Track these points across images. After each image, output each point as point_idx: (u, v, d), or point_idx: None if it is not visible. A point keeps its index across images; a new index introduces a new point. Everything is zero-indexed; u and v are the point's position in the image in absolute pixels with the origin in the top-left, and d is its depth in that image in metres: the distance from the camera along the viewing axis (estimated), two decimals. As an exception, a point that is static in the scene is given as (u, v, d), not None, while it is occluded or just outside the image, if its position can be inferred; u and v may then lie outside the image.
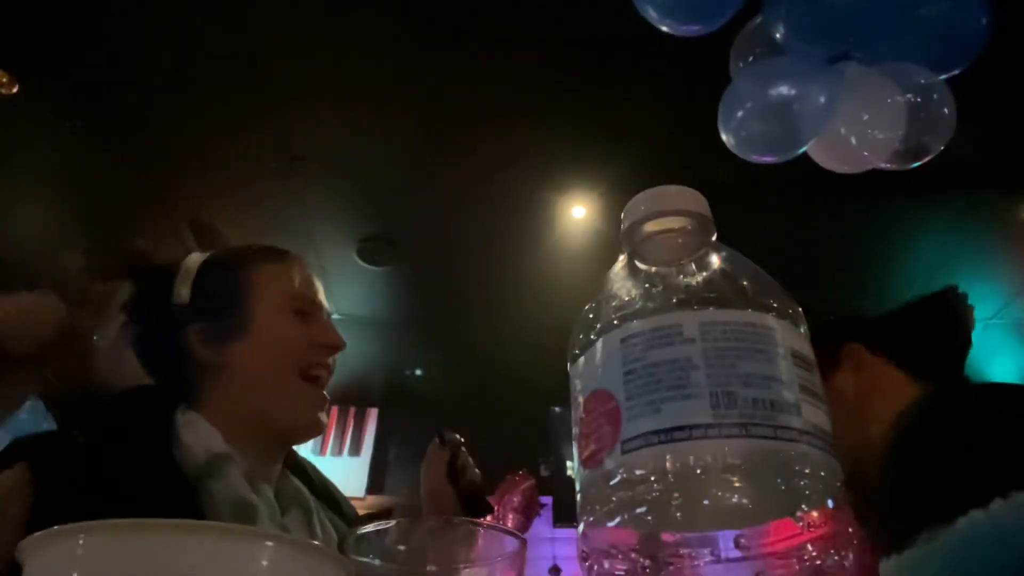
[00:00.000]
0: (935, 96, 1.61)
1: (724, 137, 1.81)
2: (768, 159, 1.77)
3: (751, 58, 1.78)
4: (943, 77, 1.63)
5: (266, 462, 0.94)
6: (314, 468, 1.05)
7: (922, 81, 1.61)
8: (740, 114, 1.71)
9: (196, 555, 0.29)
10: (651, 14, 1.67)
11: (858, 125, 1.64)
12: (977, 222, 3.42)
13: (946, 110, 1.61)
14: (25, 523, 0.72)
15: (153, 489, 0.79)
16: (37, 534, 0.30)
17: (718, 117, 1.82)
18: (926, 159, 1.66)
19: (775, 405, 0.36)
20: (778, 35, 1.62)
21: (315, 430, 0.95)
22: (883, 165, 1.70)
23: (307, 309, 0.97)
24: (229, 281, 0.95)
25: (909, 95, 1.61)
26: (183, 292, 0.93)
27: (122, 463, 0.80)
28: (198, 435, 0.86)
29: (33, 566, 0.30)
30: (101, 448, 0.81)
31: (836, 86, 1.62)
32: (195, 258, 0.97)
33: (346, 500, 1.05)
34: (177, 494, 0.80)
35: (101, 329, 0.94)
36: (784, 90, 1.65)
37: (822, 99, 1.63)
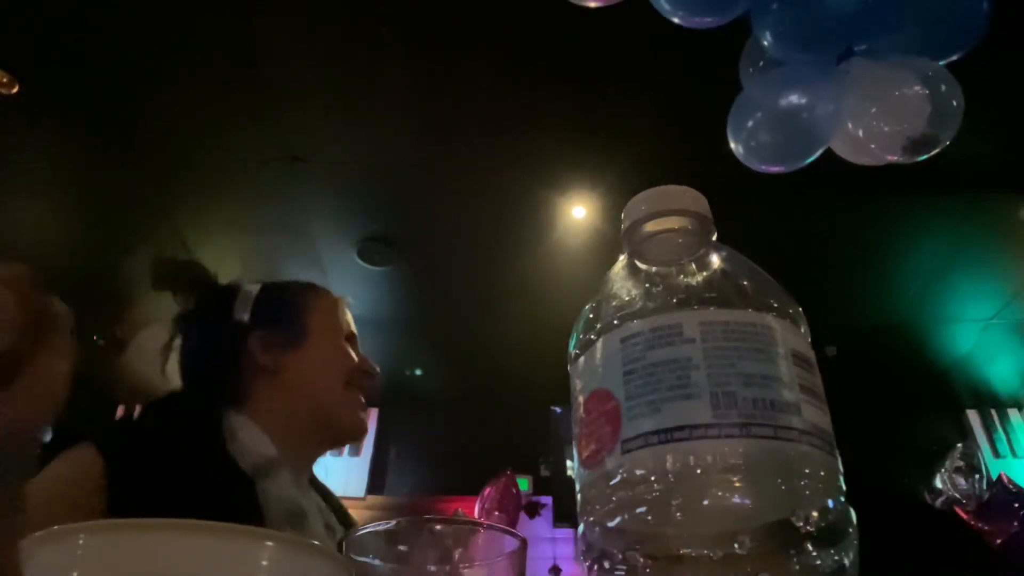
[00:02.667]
0: (943, 88, 1.59)
1: (733, 146, 1.79)
2: (776, 169, 1.76)
3: (760, 63, 1.75)
4: (943, 63, 1.62)
5: (303, 470, 1.01)
6: (330, 491, 1.11)
7: (930, 73, 1.60)
8: (750, 124, 1.70)
9: (196, 555, 0.29)
10: (663, 6, 1.65)
11: (865, 119, 1.62)
12: (978, 222, 3.42)
13: (955, 102, 1.59)
14: (103, 501, 0.77)
15: (218, 480, 0.85)
16: (37, 534, 0.30)
17: (728, 127, 1.80)
18: (935, 151, 1.64)
19: (775, 405, 0.36)
20: (766, 43, 1.60)
21: (361, 431, 1.05)
22: (891, 158, 1.68)
23: (352, 339, 1.09)
24: (289, 298, 1.07)
25: (916, 87, 1.59)
26: (244, 311, 1.02)
27: (188, 454, 0.85)
28: (251, 437, 0.92)
29: (33, 566, 0.30)
30: (167, 437, 0.87)
31: (843, 90, 1.61)
32: (253, 285, 1.06)
33: (357, 523, 1.09)
34: (239, 487, 0.86)
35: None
36: (794, 99, 1.64)
37: (831, 107, 1.62)
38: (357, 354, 1.08)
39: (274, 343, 1.01)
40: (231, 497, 0.84)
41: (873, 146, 1.65)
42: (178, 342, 1.04)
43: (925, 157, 1.65)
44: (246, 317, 1.01)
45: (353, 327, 1.11)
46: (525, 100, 2.88)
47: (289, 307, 1.05)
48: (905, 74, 1.59)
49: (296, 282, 1.13)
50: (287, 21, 2.60)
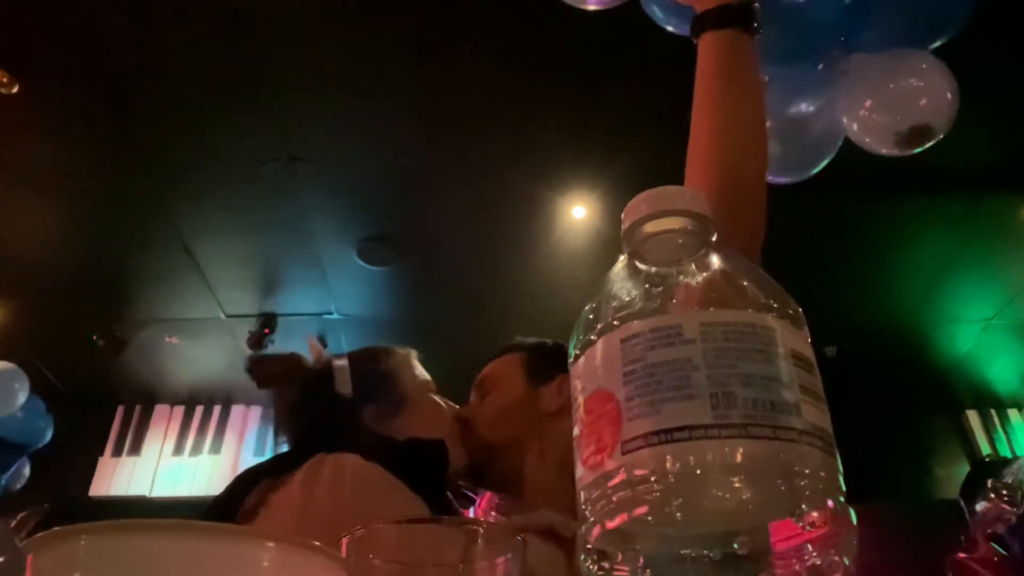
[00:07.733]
0: (937, 79, 1.58)
1: None
2: (783, 180, 1.74)
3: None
4: (931, 47, 1.60)
5: None
6: None
7: (923, 65, 1.59)
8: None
9: (197, 555, 0.29)
10: (657, 15, 1.65)
11: (859, 112, 1.61)
12: (978, 222, 3.42)
13: (949, 94, 1.58)
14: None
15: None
16: (39, 535, 0.30)
17: None
18: (931, 143, 1.63)
19: (775, 405, 0.36)
20: None
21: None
22: (885, 151, 1.67)
23: (433, 389, 1.25)
24: (377, 371, 1.20)
25: (910, 79, 1.58)
26: (346, 386, 1.14)
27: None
28: None
29: (35, 566, 0.30)
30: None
31: (841, 89, 1.60)
32: (341, 360, 1.18)
33: None
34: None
35: None
36: (799, 107, 1.63)
37: (834, 111, 1.61)
38: (444, 401, 1.23)
39: (382, 414, 1.14)
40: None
41: (868, 140, 1.64)
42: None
43: (921, 150, 1.64)
44: (349, 392, 1.13)
45: (427, 376, 1.26)
46: (525, 100, 2.88)
47: (384, 377, 1.18)
48: (898, 66, 1.58)
49: (373, 348, 1.26)
50: (287, 21, 2.60)
